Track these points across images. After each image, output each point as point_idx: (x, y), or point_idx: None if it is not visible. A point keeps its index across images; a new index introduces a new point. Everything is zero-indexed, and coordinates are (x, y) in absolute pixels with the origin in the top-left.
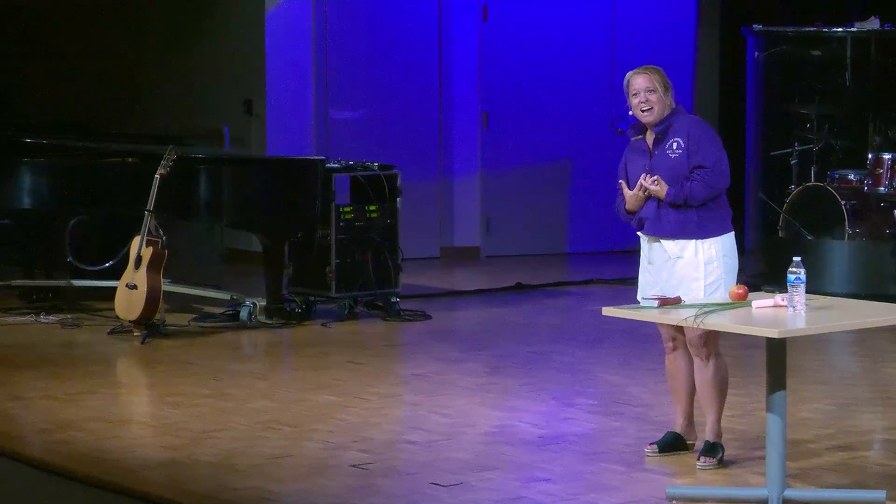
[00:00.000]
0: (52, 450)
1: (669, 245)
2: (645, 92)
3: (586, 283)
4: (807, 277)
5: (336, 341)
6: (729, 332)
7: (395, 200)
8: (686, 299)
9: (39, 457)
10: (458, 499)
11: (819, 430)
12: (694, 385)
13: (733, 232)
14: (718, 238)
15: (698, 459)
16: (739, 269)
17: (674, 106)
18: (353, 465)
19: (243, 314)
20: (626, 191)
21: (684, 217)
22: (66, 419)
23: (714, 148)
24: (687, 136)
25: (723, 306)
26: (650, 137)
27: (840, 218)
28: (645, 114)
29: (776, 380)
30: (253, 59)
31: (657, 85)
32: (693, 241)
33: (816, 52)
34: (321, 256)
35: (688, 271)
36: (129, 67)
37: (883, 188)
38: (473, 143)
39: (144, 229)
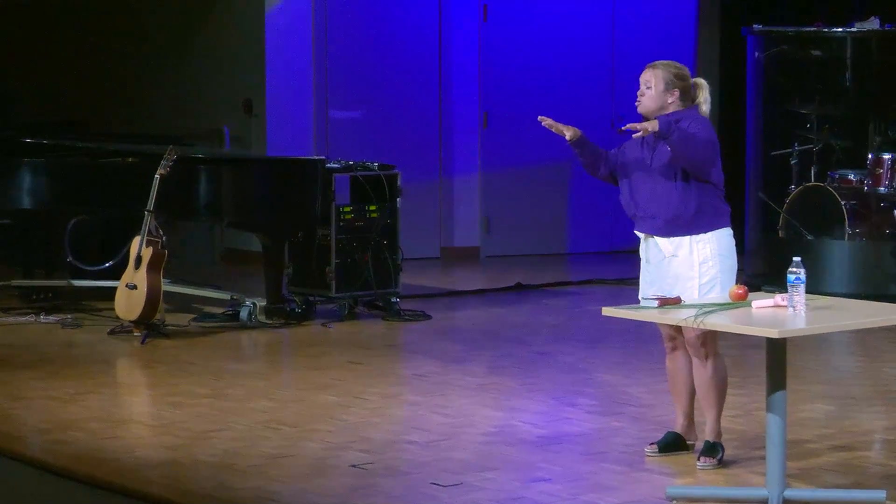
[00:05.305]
0: (52, 450)
1: (664, 243)
2: (643, 86)
3: (586, 283)
4: (807, 277)
5: (336, 341)
6: (729, 332)
7: (395, 200)
8: (683, 299)
9: (39, 457)
10: (458, 499)
11: (819, 430)
12: (694, 385)
13: (730, 229)
14: (713, 235)
15: (698, 459)
16: (740, 269)
17: (684, 106)
18: (353, 465)
19: (243, 314)
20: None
21: (676, 213)
22: (66, 419)
23: (705, 134)
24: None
25: (723, 306)
26: None
27: (840, 218)
28: (638, 105)
29: (776, 380)
30: (253, 59)
31: (657, 81)
32: (687, 239)
33: (816, 52)
34: (321, 256)
35: (682, 270)
36: (129, 67)
37: (883, 188)
38: (473, 143)
39: (144, 229)
